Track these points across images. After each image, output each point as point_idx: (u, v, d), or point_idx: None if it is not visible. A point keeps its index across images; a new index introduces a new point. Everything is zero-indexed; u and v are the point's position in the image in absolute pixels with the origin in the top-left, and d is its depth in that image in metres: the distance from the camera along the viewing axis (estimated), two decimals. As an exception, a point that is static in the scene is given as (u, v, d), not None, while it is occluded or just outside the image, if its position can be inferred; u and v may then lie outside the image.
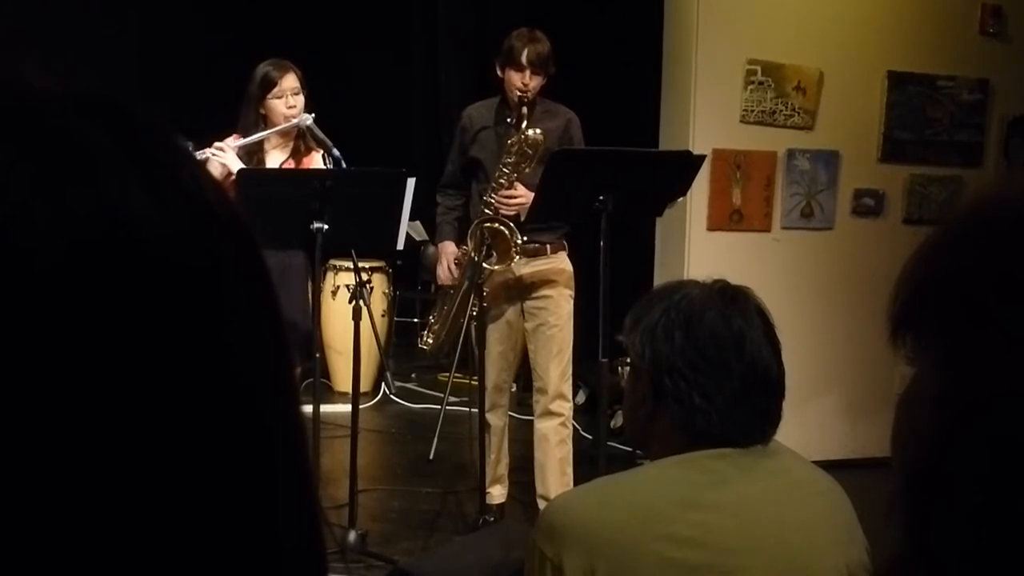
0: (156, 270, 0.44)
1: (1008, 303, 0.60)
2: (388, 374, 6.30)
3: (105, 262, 0.43)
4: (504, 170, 4.44)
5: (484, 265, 4.40)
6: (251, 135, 4.39)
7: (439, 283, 4.80)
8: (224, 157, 4.23)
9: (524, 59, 4.39)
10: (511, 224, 4.38)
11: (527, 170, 4.41)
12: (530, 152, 4.40)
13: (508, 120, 4.51)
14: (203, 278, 0.46)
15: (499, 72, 4.52)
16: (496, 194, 4.44)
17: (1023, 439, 0.58)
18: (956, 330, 0.64)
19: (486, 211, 4.45)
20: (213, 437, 0.46)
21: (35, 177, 0.43)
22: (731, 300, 1.80)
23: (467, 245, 4.55)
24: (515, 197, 4.41)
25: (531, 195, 4.30)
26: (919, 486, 0.66)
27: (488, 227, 4.41)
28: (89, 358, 0.42)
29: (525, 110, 4.41)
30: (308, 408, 4.01)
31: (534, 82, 4.42)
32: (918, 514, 0.66)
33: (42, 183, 0.43)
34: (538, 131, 4.40)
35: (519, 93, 4.41)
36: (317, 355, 4.16)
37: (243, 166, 4.27)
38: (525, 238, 4.43)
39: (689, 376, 1.76)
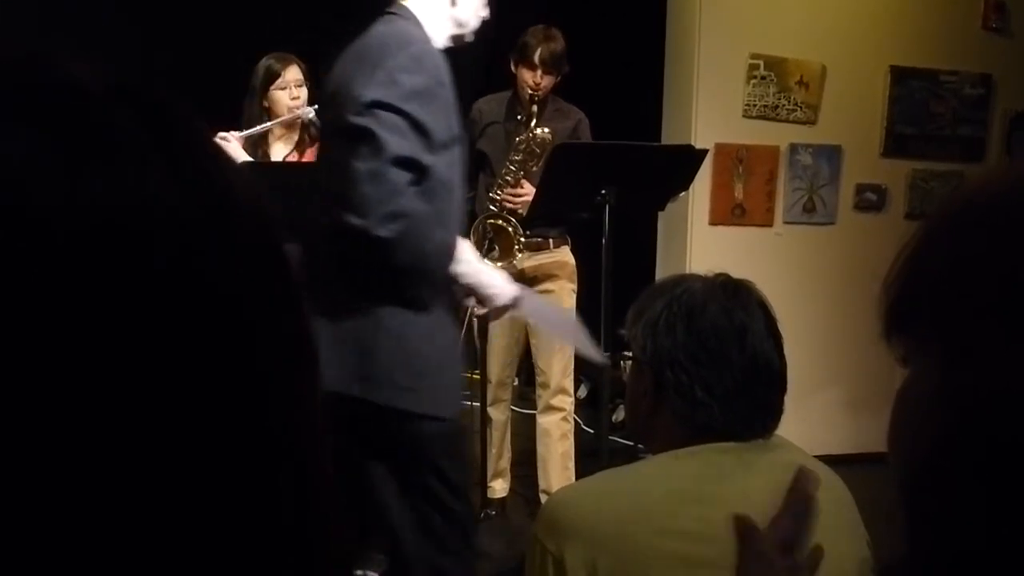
0: (171, 252, 0.44)
1: (1008, 297, 0.60)
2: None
3: (119, 240, 0.43)
4: (511, 167, 4.44)
5: (486, 261, 4.40)
6: (254, 127, 4.39)
7: None
8: (229, 147, 4.24)
9: (537, 58, 4.38)
10: (514, 221, 4.38)
11: (534, 168, 4.41)
12: (538, 151, 4.40)
13: (518, 117, 4.51)
14: (218, 264, 0.46)
15: (512, 68, 4.52)
16: (502, 191, 4.44)
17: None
18: (955, 326, 0.63)
19: (491, 207, 4.46)
20: (224, 425, 0.46)
21: (57, 155, 0.44)
22: (733, 293, 1.80)
23: (469, 240, 4.55)
24: (521, 195, 4.41)
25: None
26: (920, 485, 0.65)
27: (491, 223, 4.41)
28: (91, 331, 0.42)
29: (535, 108, 4.41)
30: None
31: (546, 81, 4.42)
32: (919, 514, 0.65)
33: (63, 161, 0.43)
34: (546, 130, 4.40)
35: (530, 91, 4.41)
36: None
37: (248, 157, 4.28)
38: (528, 232, 4.43)
39: (691, 369, 1.76)
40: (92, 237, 0.42)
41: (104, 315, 0.42)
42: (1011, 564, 0.59)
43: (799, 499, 1.22)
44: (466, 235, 4.59)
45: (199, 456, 0.45)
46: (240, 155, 4.25)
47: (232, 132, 4.34)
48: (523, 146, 4.42)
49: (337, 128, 2.69)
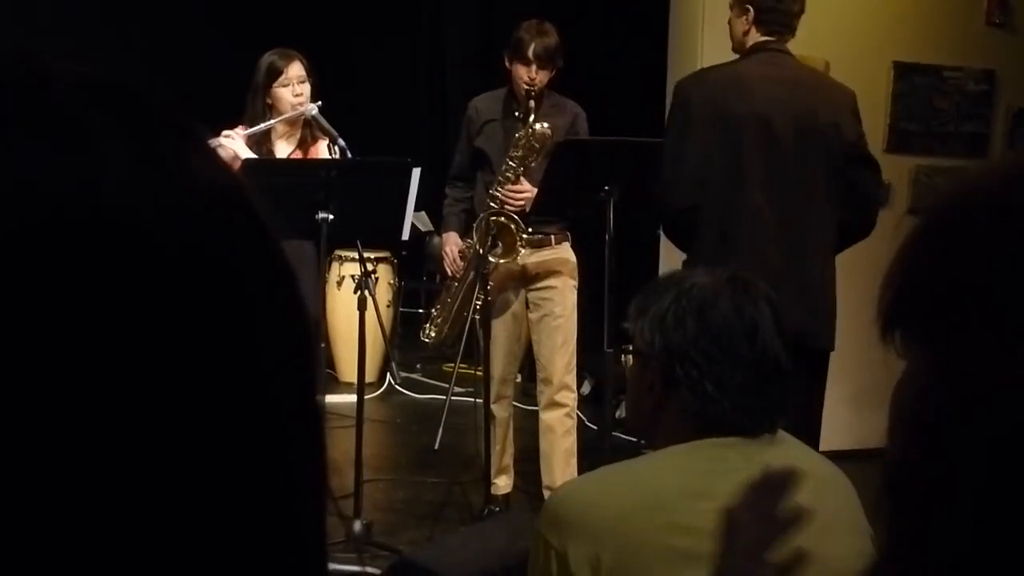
0: (129, 248, 0.43)
1: (996, 292, 0.60)
2: (393, 364, 6.28)
3: (68, 234, 0.42)
4: (511, 164, 4.43)
5: (489, 258, 4.39)
6: (258, 125, 4.38)
7: (446, 273, 4.80)
8: (234, 144, 4.24)
9: (531, 53, 4.37)
10: (517, 219, 4.38)
11: (533, 164, 4.41)
12: (537, 147, 4.40)
13: (515, 113, 4.50)
14: (187, 260, 0.45)
15: (506, 64, 4.51)
16: (502, 188, 4.44)
17: (1017, 434, 0.58)
18: (944, 323, 0.63)
19: (492, 204, 4.45)
20: (189, 431, 0.44)
21: (7, 143, 0.43)
22: (742, 289, 1.80)
23: (472, 238, 4.55)
24: (521, 192, 4.40)
25: (536, 190, 4.30)
26: (906, 483, 0.65)
27: (494, 220, 4.40)
28: (34, 330, 0.41)
29: (532, 104, 4.40)
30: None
31: (540, 76, 4.41)
32: (904, 514, 0.65)
33: (11, 150, 0.42)
34: (546, 126, 4.39)
35: (526, 87, 4.40)
36: (322, 345, 4.16)
37: (252, 155, 4.27)
38: (530, 230, 4.43)
39: (702, 365, 1.76)
40: (44, 228, 0.41)
41: (56, 311, 0.41)
42: (1003, 565, 0.58)
43: (772, 499, 1.22)
44: (469, 232, 4.62)
45: (195, 454, 0.44)
46: (244, 152, 4.25)
47: (237, 129, 4.34)
48: (522, 142, 4.41)
49: (835, 152, 3.77)
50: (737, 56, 3.94)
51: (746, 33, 3.87)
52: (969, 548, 0.59)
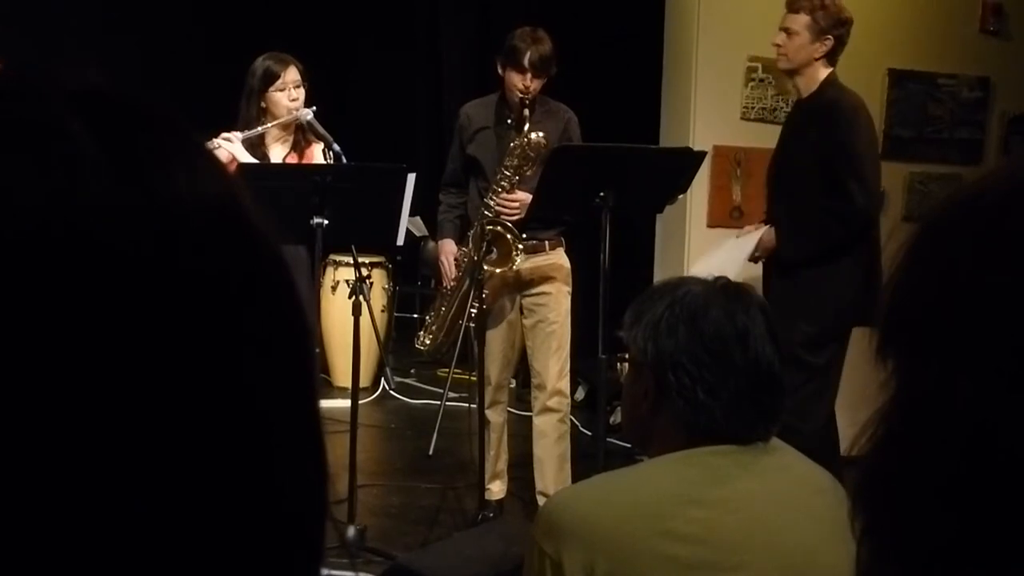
0: (102, 262, 0.43)
1: (968, 303, 0.60)
2: (388, 369, 6.29)
3: (40, 248, 0.42)
4: (505, 173, 4.43)
5: (484, 266, 4.39)
6: (252, 129, 4.38)
7: (443, 281, 4.79)
8: (232, 147, 4.24)
9: (526, 61, 4.35)
10: (514, 228, 4.37)
11: (528, 173, 4.40)
12: (532, 155, 4.39)
13: (508, 120, 4.49)
14: (166, 273, 0.44)
15: (500, 70, 4.50)
16: (497, 197, 4.43)
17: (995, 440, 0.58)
18: (927, 334, 0.63)
19: (486, 213, 4.44)
20: (182, 441, 0.44)
21: None
22: (734, 297, 1.80)
23: (468, 245, 4.55)
24: (515, 201, 4.39)
25: (530, 198, 4.30)
26: (888, 493, 0.65)
27: (490, 229, 4.40)
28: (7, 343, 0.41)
29: (527, 112, 4.38)
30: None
31: (535, 84, 4.40)
32: (885, 524, 0.65)
33: None
34: (541, 134, 4.39)
35: (520, 95, 4.39)
36: (317, 350, 4.15)
37: (251, 157, 4.28)
38: (524, 235, 4.42)
39: (693, 372, 1.76)
40: (15, 241, 0.41)
41: (24, 325, 0.41)
42: (982, 566, 0.59)
43: None
44: (464, 238, 4.62)
45: (192, 461, 0.44)
46: (242, 155, 4.25)
47: (234, 133, 4.34)
48: (517, 151, 4.40)
49: None
50: (799, 74, 4.31)
51: (816, 59, 4.13)
52: (950, 554, 0.60)
